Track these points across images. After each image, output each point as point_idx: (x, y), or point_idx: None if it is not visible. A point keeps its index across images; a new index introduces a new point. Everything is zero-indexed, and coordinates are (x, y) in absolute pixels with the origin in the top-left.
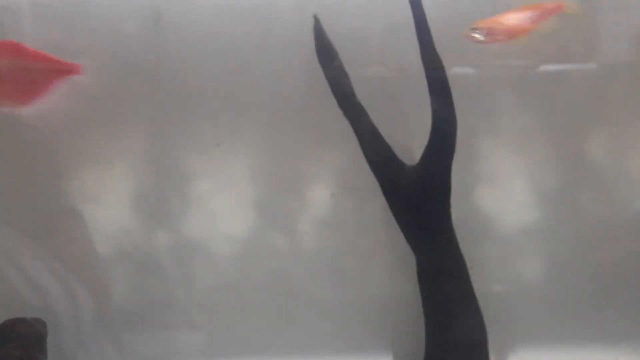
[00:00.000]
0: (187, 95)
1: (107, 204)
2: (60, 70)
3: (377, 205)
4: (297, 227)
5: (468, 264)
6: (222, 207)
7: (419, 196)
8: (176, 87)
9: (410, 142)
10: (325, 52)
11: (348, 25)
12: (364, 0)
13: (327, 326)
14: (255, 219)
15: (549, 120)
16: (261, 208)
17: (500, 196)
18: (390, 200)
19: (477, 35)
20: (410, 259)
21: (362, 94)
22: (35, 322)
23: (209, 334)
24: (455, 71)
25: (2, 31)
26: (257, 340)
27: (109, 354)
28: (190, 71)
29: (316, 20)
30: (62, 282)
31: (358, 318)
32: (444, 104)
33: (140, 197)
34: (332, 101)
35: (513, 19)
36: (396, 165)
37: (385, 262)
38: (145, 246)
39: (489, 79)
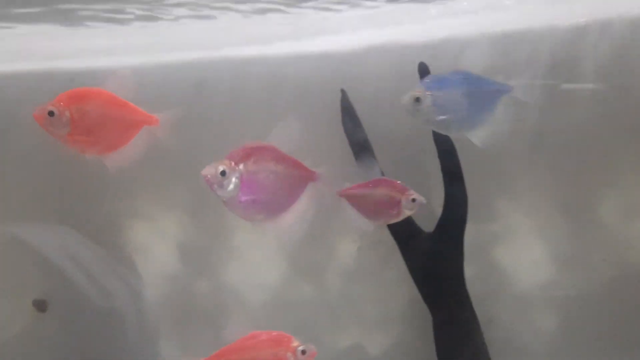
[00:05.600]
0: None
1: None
2: (141, 120)
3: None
4: (324, 277)
5: (485, 318)
6: (257, 258)
7: (434, 261)
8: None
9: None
10: (351, 123)
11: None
12: None
13: None
14: (286, 269)
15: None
16: (291, 259)
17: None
18: (408, 262)
19: None
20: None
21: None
22: None
23: None
24: None
25: None
26: None
27: None
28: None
29: (343, 93)
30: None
31: None
32: (455, 182)
33: (184, 248)
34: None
35: None
36: (413, 231)
37: (405, 313)
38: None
39: None
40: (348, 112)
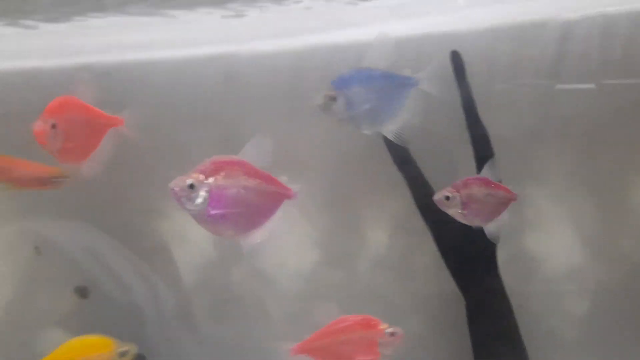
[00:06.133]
0: None
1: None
2: (106, 123)
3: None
4: (355, 265)
5: (516, 303)
6: (290, 246)
7: (467, 247)
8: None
9: None
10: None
11: None
12: None
13: None
14: (318, 257)
15: None
16: (323, 246)
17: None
18: (440, 248)
19: None
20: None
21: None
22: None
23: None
24: None
25: None
26: None
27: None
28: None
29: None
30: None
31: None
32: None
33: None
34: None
35: None
36: (446, 217)
37: (436, 300)
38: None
39: None
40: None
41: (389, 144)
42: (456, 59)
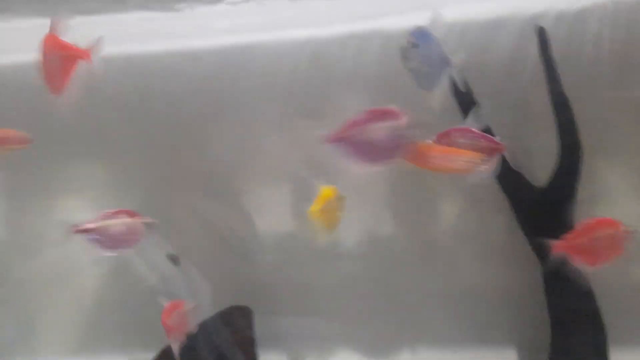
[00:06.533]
0: None
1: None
2: (75, 55)
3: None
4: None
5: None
6: (366, 215)
7: (547, 213)
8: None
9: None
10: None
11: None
12: None
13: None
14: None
15: None
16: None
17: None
18: (519, 215)
19: None
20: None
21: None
22: (245, 309)
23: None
24: None
25: None
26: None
27: None
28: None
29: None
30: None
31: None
32: (571, 134)
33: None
34: None
35: None
36: (525, 184)
37: (506, 263)
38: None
39: None
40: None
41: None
42: (542, 34)
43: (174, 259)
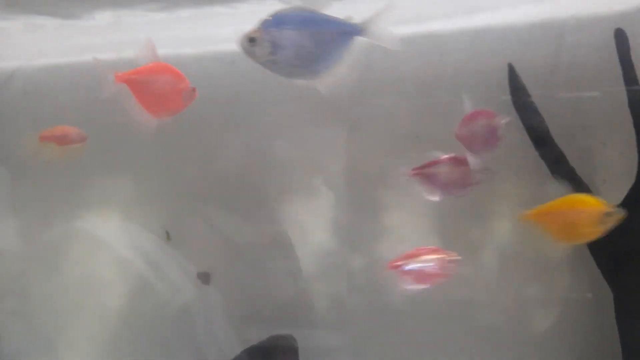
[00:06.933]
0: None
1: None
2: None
3: None
4: (481, 255)
5: None
6: (410, 235)
7: (620, 235)
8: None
9: (594, 177)
10: (520, 96)
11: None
12: None
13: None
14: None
15: None
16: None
17: None
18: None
19: None
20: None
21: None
22: (290, 338)
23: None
24: None
25: None
26: None
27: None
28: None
29: (510, 67)
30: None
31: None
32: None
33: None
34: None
35: None
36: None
37: (569, 293)
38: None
39: None
40: (516, 86)
41: (527, 124)
42: (620, 37)
43: (204, 277)
